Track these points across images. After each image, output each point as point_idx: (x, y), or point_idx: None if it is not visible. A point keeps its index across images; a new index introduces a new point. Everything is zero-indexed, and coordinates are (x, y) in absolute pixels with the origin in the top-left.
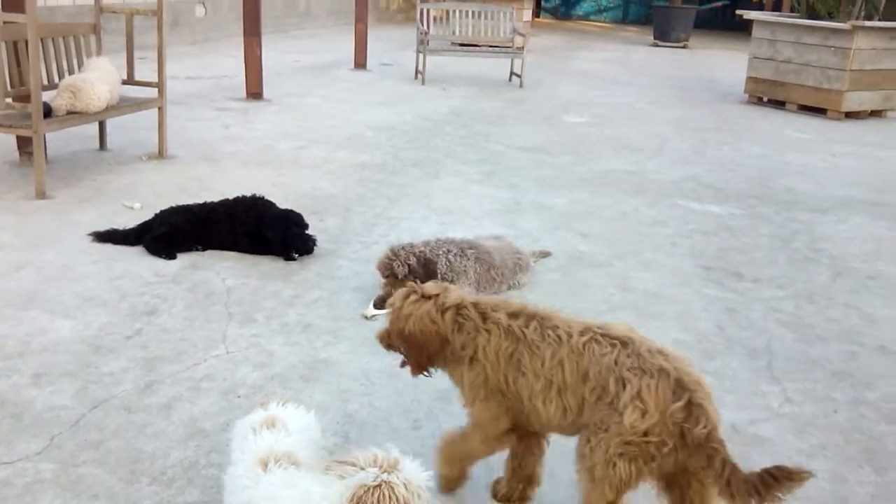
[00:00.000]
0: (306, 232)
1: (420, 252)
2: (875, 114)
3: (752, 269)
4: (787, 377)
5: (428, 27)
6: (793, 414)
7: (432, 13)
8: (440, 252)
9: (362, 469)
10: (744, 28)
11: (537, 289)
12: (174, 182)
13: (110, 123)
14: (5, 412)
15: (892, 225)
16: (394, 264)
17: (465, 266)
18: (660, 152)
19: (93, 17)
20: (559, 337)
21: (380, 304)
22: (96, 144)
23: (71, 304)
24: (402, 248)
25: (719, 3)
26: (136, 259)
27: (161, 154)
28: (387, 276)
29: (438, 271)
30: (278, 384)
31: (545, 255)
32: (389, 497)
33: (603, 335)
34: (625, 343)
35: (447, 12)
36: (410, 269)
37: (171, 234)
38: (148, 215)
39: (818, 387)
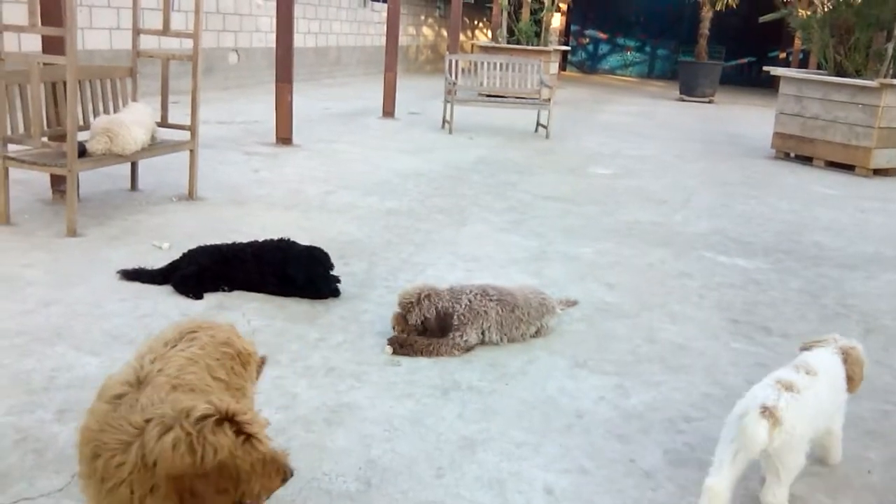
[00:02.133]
0: (331, 272)
1: (442, 307)
2: None
3: (780, 324)
4: None
5: (456, 78)
6: (826, 473)
7: (460, 64)
8: (462, 295)
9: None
10: (769, 84)
11: (563, 338)
12: (203, 223)
13: (142, 164)
14: (28, 447)
15: None
16: (409, 316)
17: (487, 306)
18: (686, 205)
19: (129, 61)
20: None
21: (394, 343)
22: (128, 185)
23: (98, 340)
24: (427, 295)
25: (745, 60)
26: (163, 298)
27: (191, 196)
28: (399, 317)
29: (453, 324)
30: (301, 427)
31: (572, 304)
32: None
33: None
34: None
35: (475, 63)
36: (424, 322)
37: (200, 273)
38: (176, 255)
39: (852, 446)
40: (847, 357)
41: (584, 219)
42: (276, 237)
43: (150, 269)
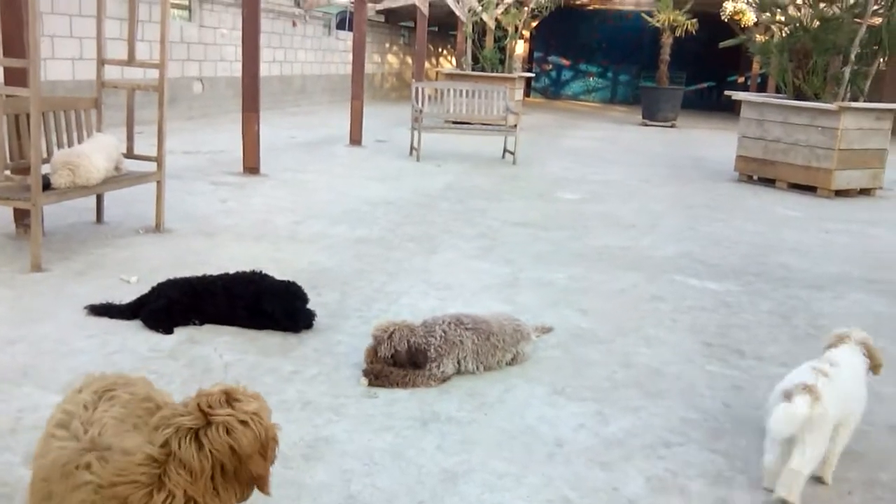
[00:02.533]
0: (307, 306)
1: (414, 342)
2: (864, 192)
3: (754, 347)
4: None
5: (423, 105)
6: (809, 495)
7: (426, 91)
8: (436, 326)
9: None
10: (730, 108)
11: (540, 365)
12: (171, 255)
13: (108, 196)
14: None
15: (890, 301)
16: (379, 348)
17: (462, 336)
18: (654, 228)
19: (93, 92)
20: None
21: (368, 374)
22: (93, 217)
23: (65, 379)
24: (398, 328)
25: (704, 85)
26: (131, 333)
27: (158, 228)
28: (371, 349)
29: (426, 361)
30: (279, 463)
31: (547, 330)
32: None
33: None
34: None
35: (441, 91)
36: (395, 355)
37: (169, 307)
38: (144, 289)
39: (836, 471)
40: (867, 348)
41: (553, 244)
42: (247, 269)
43: (118, 303)
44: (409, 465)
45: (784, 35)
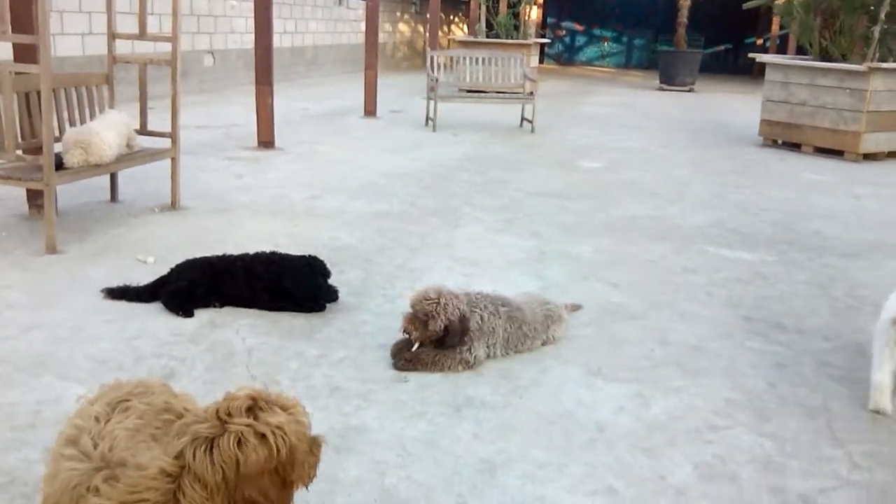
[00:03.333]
0: (328, 282)
1: (464, 311)
2: (892, 155)
3: (794, 320)
4: (850, 438)
5: (438, 74)
6: (864, 482)
7: (441, 59)
8: (477, 309)
9: None
10: (748, 71)
11: (573, 344)
12: (187, 234)
13: (122, 174)
14: (15, 491)
15: None
16: (431, 322)
17: (495, 325)
18: (680, 197)
19: (104, 68)
20: None
21: (397, 353)
22: (107, 196)
23: (84, 367)
24: (449, 299)
25: (721, 47)
26: (151, 317)
27: (174, 205)
28: (417, 322)
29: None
30: None
31: (576, 308)
32: None
33: None
34: None
35: (455, 59)
36: (448, 326)
37: (191, 288)
38: (162, 269)
39: (885, 450)
40: None
41: (578, 215)
42: (266, 249)
43: (135, 285)
44: (444, 455)
45: None
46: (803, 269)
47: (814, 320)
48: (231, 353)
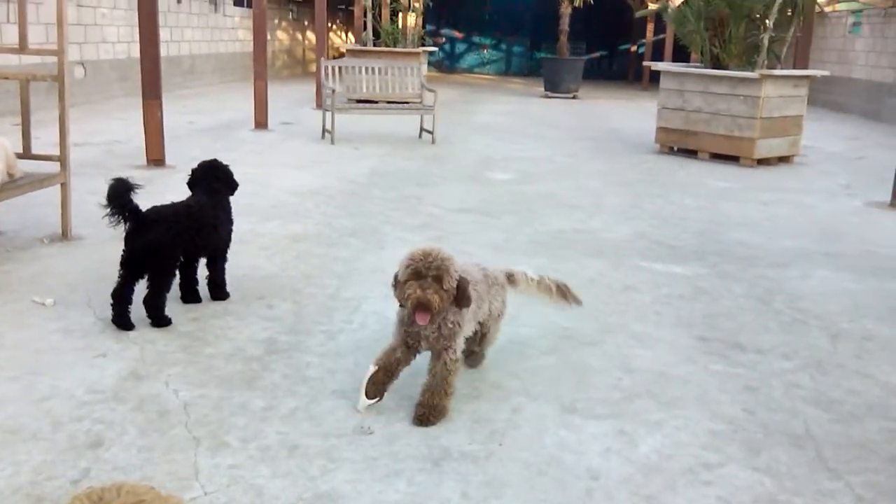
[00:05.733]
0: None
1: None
2: (783, 160)
3: (748, 338)
4: (845, 469)
5: (334, 83)
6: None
7: (334, 69)
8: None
9: None
10: (623, 77)
11: (538, 376)
12: (87, 268)
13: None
14: None
15: (856, 277)
16: (446, 277)
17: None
18: (598, 209)
19: None
20: None
21: (372, 390)
22: None
23: None
24: (448, 257)
25: (597, 54)
26: (62, 371)
27: (66, 235)
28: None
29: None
30: None
31: (511, 278)
32: None
33: None
34: None
35: (345, 68)
36: (459, 283)
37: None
38: (61, 310)
39: (881, 479)
40: None
41: (505, 232)
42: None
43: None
44: None
45: (700, 2)
46: (739, 282)
47: (768, 337)
48: (164, 410)
